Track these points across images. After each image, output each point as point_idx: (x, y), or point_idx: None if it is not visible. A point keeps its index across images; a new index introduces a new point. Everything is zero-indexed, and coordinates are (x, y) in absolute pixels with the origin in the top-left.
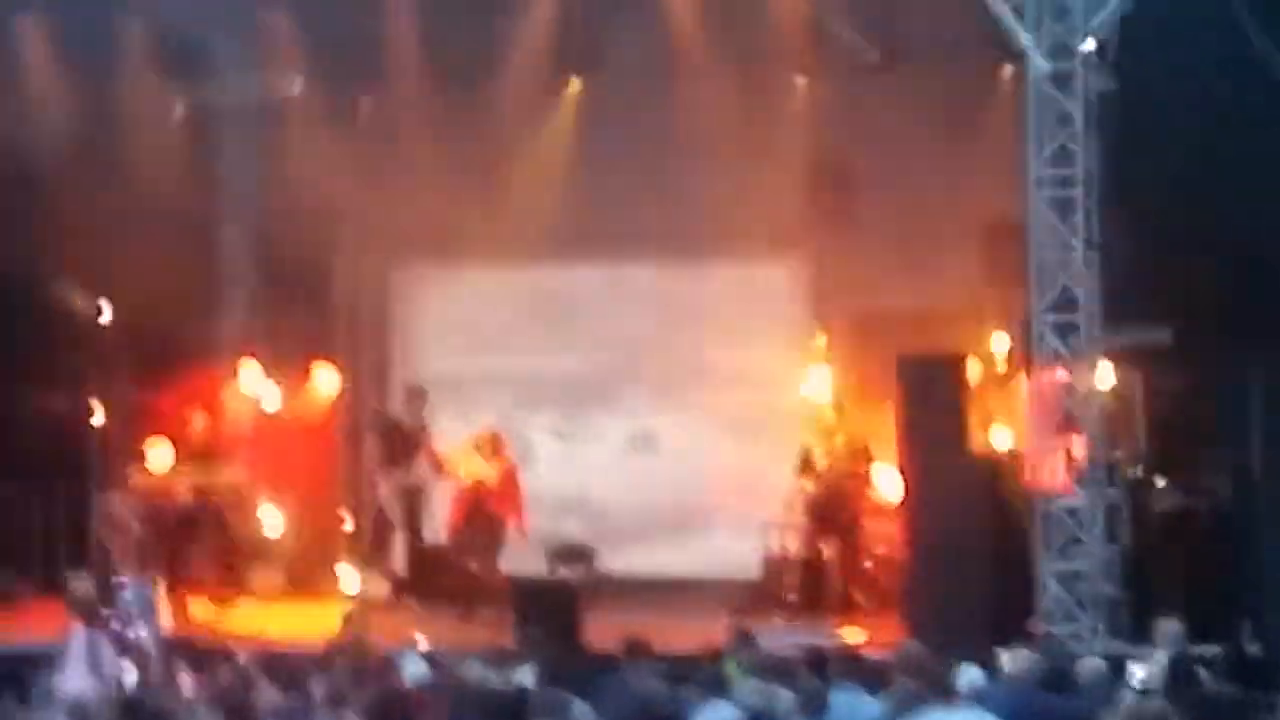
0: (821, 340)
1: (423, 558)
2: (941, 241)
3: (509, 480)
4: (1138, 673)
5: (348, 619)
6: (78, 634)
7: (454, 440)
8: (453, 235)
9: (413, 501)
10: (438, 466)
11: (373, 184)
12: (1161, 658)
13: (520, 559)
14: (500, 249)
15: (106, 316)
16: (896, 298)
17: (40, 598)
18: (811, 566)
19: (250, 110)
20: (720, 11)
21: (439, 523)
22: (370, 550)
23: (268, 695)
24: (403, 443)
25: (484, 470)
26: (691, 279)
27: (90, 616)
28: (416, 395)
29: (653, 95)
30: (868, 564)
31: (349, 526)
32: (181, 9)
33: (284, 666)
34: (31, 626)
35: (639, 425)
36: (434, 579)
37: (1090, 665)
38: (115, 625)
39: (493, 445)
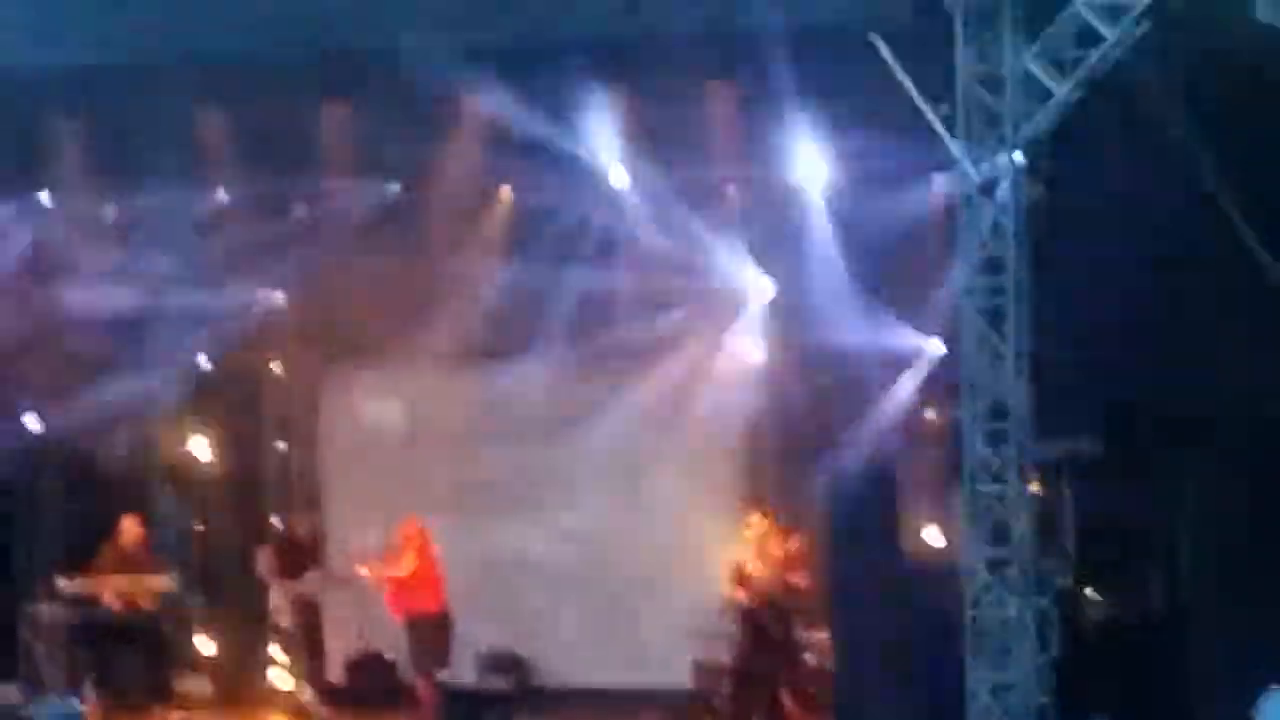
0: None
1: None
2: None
3: (428, 568)
4: None
5: None
6: None
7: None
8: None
9: (307, 613)
10: (332, 578)
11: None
12: None
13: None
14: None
15: (36, 427)
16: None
17: None
18: (743, 676)
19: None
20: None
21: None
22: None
23: None
24: (295, 554)
25: (400, 567)
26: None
27: None
28: (313, 505)
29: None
30: (800, 673)
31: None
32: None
33: None
34: None
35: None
36: (353, 688)
37: None
38: None
39: (412, 537)
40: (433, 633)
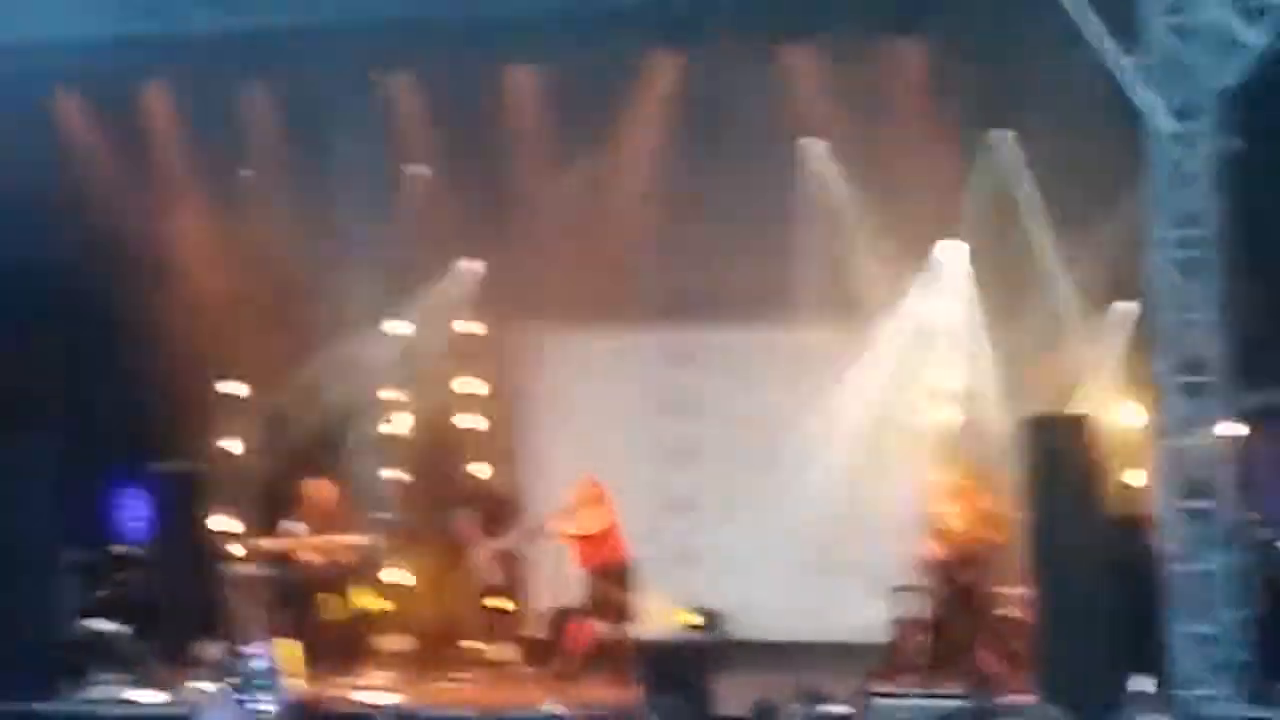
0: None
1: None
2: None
3: (611, 527)
4: None
5: None
6: (212, 700)
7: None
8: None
9: (508, 569)
10: (534, 533)
11: (497, 246)
12: None
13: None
14: (617, 313)
15: (240, 390)
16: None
17: (170, 665)
18: (941, 631)
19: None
20: (840, 77)
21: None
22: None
23: None
24: (498, 510)
25: (587, 524)
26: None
27: (224, 683)
28: (511, 464)
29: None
30: (999, 628)
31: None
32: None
33: None
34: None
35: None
36: (544, 644)
37: None
38: (241, 694)
39: (593, 494)
40: (612, 587)
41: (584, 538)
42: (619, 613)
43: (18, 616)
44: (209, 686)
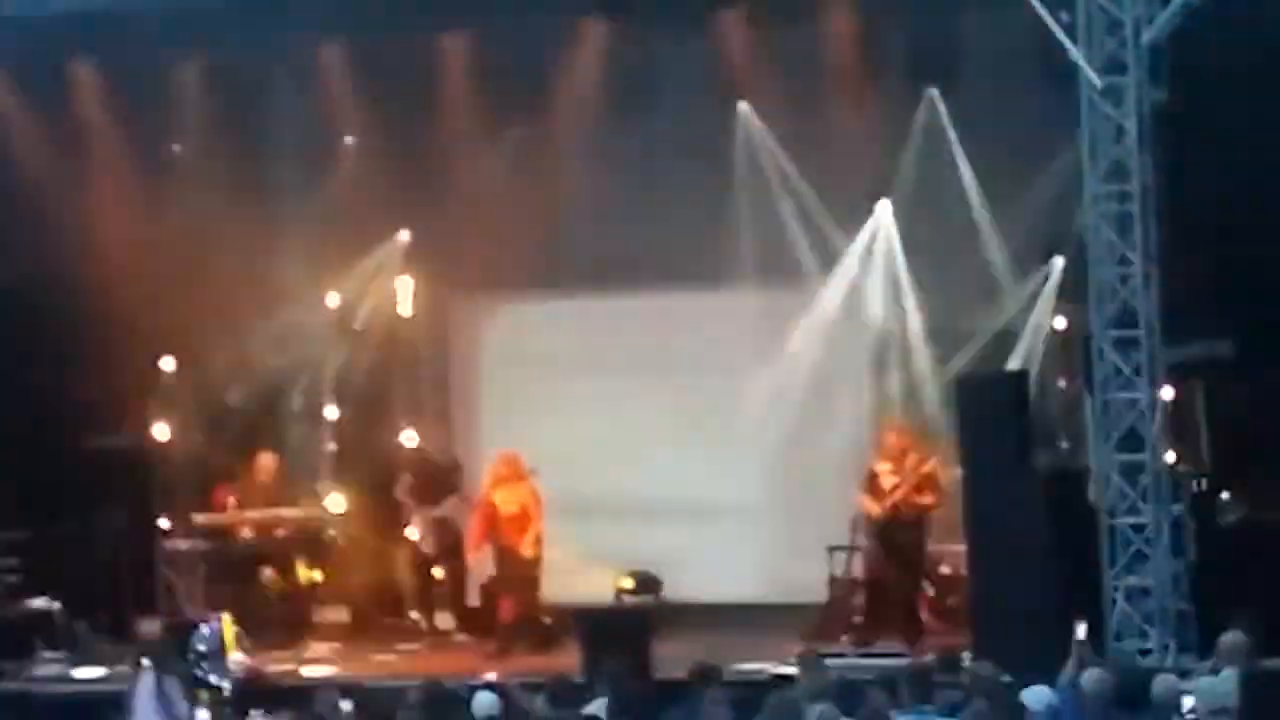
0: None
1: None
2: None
3: (526, 506)
4: (1187, 702)
5: None
6: (147, 676)
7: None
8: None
9: (444, 537)
10: (468, 502)
11: (431, 215)
12: (1229, 674)
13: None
14: (555, 278)
15: (169, 365)
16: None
17: (108, 640)
18: (877, 588)
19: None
20: (772, 42)
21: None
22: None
23: None
24: (434, 479)
25: (499, 497)
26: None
27: (161, 659)
28: (448, 433)
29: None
30: (934, 584)
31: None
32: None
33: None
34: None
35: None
36: (481, 612)
37: (1164, 683)
38: (186, 666)
39: (510, 469)
40: (523, 565)
41: (504, 517)
42: (530, 589)
43: None
44: (144, 666)
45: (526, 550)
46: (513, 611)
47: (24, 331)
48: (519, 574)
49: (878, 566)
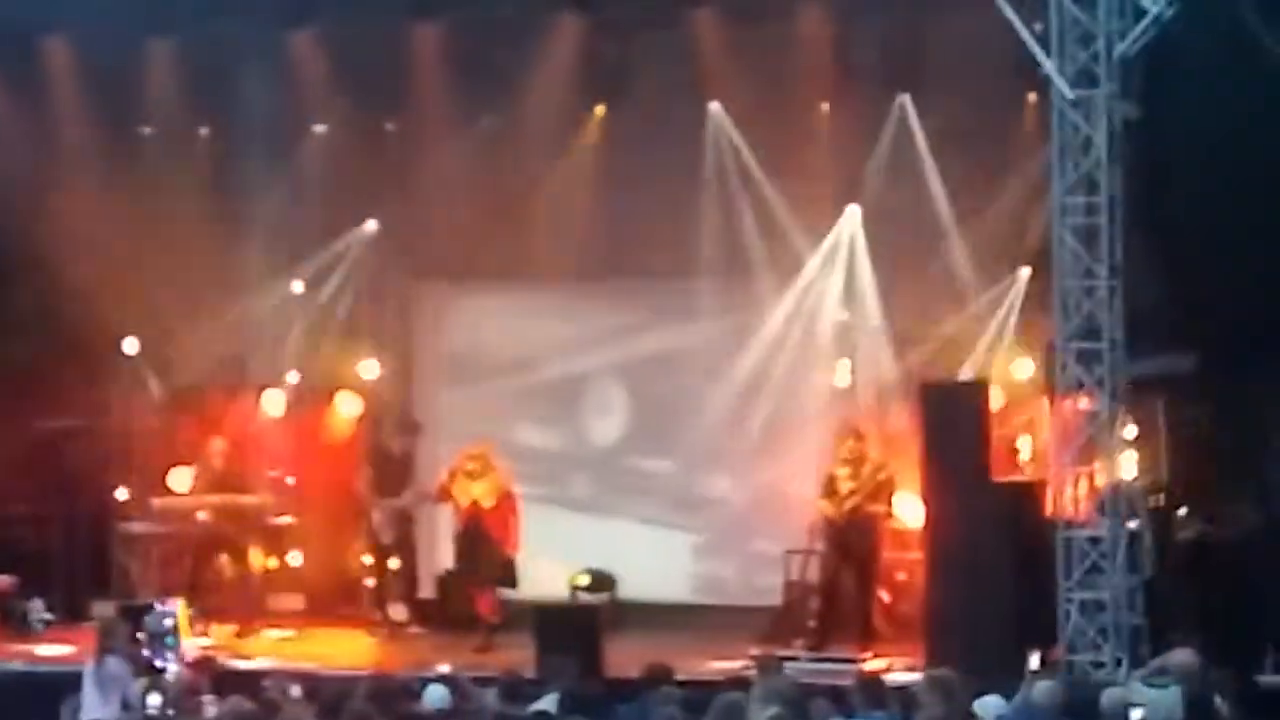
0: (847, 364)
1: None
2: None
3: (504, 499)
4: (1135, 715)
5: None
6: (100, 659)
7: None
8: (477, 256)
9: (403, 530)
10: (426, 495)
11: (398, 204)
12: (1176, 690)
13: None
14: (523, 269)
15: (132, 347)
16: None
17: (63, 622)
18: (832, 593)
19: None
20: (745, 40)
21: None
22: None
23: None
24: (394, 472)
25: (477, 490)
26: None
27: (113, 641)
28: (409, 426)
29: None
30: (889, 591)
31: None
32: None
33: (309, 691)
34: (54, 651)
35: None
36: (443, 606)
37: (1113, 695)
38: (138, 650)
39: (484, 462)
40: (494, 553)
41: (470, 509)
42: (500, 581)
43: None
44: (96, 648)
45: (507, 545)
46: (492, 606)
47: None
48: (498, 568)
49: (833, 571)
